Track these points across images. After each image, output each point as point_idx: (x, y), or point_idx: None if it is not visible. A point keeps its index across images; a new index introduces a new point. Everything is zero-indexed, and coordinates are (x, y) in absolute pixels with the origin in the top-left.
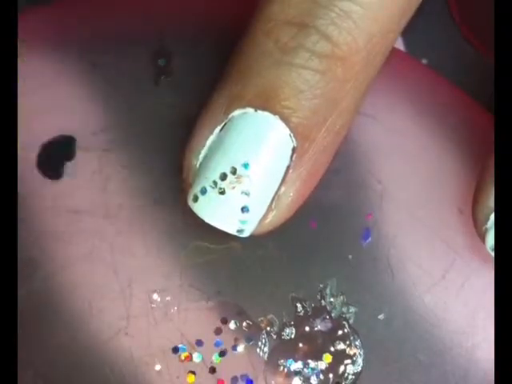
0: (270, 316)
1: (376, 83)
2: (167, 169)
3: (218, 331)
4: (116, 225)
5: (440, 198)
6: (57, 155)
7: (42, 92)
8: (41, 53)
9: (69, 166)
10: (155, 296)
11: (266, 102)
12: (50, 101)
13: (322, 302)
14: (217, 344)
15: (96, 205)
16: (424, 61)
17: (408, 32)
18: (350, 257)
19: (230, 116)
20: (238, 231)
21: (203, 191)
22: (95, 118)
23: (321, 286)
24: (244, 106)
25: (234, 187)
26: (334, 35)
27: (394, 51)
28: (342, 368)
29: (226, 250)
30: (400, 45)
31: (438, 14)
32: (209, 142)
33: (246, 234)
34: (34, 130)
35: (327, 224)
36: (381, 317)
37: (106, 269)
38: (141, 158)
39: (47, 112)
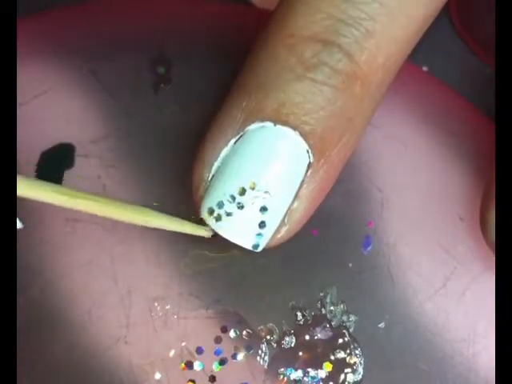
0: (270, 324)
1: None
2: (167, 177)
3: (217, 340)
4: (115, 233)
5: (441, 205)
6: (56, 163)
7: (42, 100)
8: (40, 61)
9: (68, 174)
10: (155, 304)
11: (286, 117)
12: (49, 109)
13: (323, 310)
14: (217, 352)
15: None
16: (425, 68)
17: None
18: (351, 265)
19: (246, 129)
20: (254, 246)
21: (220, 205)
22: (94, 126)
23: (321, 294)
24: (263, 120)
25: (253, 203)
26: (357, 54)
27: None
28: (342, 377)
29: (226, 259)
30: None
31: (439, 22)
32: (222, 155)
33: (259, 249)
34: (33, 137)
35: (328, 232)
36: (381, 325)
37: (106, 277)
38: (140, 166)
39: (47, 120)
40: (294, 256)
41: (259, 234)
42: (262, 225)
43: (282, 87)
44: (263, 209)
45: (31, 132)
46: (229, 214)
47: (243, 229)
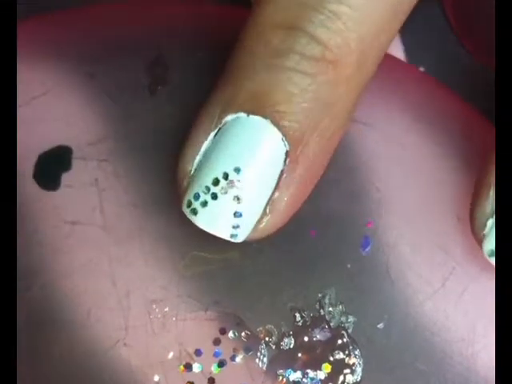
0: (268, 326)
1: (373, 91)
2: (164, 178)
3: (216, 341)
4: (114, 235)
5: (439, 206)
6: (53, 166)
7: (39, 102)
8: (39, 63)
9: (66, 177)
10: (153, 306)
11: (257, 106)
12: (46, 111)
13: (321, 311)
14: (216, 354)
15: (93, 215)
16: (422, 68)
17: (405, 39)
18: (349, 266)
19: (223, 121)
20: (232, 236)
21: (196, 197)
22: (92, 129)
23: (320, 295)
24: (236, 111)
25: (225, 192)
26: (324, 38)
27: (391, 59)
28: (341, 378)
29: (225, 260)
30: (398, 52)
31: (435, 22)
32: (203, 148)
33: (239, 239)
34: (30, 140)
35: (326, 233)
36: (380, 326)
37: (104, 279)
38: (138, 168)
39: (44, 122)
40: (293, 257)
41: (236, 224)
42: (237, 214)
43: (251, 77)
44: (236, 198)
45: (29, 134)
46: (204, 205)
47: (218, 219)
